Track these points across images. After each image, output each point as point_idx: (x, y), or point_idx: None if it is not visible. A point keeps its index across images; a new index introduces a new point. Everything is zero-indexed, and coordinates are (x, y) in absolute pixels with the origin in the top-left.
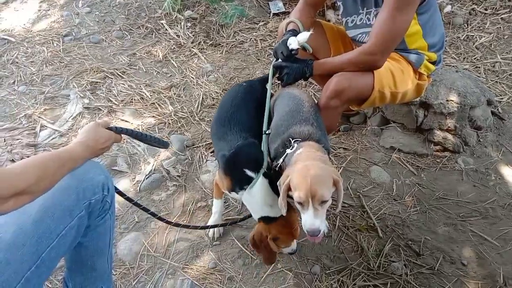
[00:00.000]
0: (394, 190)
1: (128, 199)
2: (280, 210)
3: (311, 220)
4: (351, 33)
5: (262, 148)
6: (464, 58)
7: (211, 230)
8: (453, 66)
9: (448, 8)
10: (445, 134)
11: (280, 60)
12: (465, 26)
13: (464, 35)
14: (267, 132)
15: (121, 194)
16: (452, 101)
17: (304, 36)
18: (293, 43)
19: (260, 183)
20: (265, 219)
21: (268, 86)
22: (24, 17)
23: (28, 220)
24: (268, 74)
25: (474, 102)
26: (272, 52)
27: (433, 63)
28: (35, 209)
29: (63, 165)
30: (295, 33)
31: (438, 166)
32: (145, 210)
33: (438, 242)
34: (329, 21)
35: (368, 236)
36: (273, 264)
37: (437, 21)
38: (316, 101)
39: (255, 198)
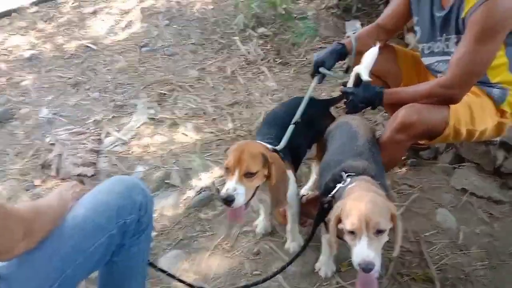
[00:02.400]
0: (461, 239)
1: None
2: None
3: (365, 250)
4: (426, 61)
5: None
6: None
7: (259, 225)
8: None
9: None
10: None
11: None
12: None
13: None
14: (295, 122)
15: (152, 265)
16: None
17: (369, 59)
18: (364, 72)
19: None
20: None
21: (308, 91)
22: (109, 27)
23: (56, 235)
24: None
25: None
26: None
27: None
28: (65, 225)
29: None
30: (337, 48)
31: None
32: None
33: None
34: (408, 45)
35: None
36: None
37: None
38: (375, 133)
39: None
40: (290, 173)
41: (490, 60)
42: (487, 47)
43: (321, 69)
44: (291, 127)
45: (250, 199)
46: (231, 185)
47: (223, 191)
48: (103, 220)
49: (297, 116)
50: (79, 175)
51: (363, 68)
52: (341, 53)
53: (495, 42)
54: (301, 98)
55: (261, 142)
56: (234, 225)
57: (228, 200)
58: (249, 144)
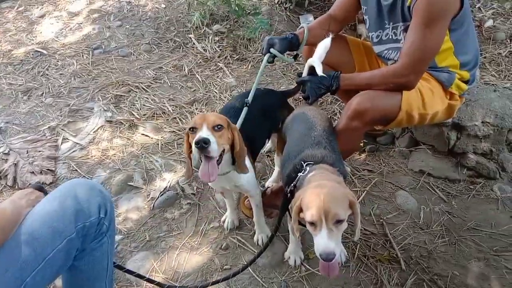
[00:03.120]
0: (421, 218)
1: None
2: None
3: (325, 242)
4: (377, 49)
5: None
6: (505, 76)
7: (226, 220)
8: (493, 84)
9: (489, 23)
10: (479, 158)
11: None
12: (507, 41)
13: (506, 51)
14: (247, 103)
15: (119, 267)
16: (488, 123)
17: (322, 50)
18: (317, 64)
19: None
20: None
21: (260, 70)
22: (58, 30)
23: (12, 243)
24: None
25: None
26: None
27: (466, 82)
28: (21, 232)
29: None
30: (289, 37)
31: (471, 193)
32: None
33: (468, 279)
34: (360, 35)
35: (390, 268)
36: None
37: (471, 38)
38: (331, 122)
39: None
40: (247, 160)
41: (439, 45)
42: (435, 33)
43: (272, 50)
44: (244, 109)
45: (219, 162)
46: (204, 133)
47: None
48: (61, 225)
49: (250, 97)
50: (37, 183)
51: (316, 60)
52: (292, 43)
53: (442, 27)
54: (258, 89)
55: None
56: (202, 222)
57: (204, 142)
58: (212, 112)
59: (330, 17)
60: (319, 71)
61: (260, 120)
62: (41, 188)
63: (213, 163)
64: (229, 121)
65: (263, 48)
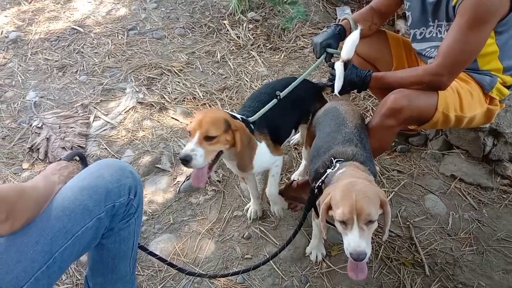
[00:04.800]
0: (450, 224)
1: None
2: None
3: (357, 241)
4: (418, 47)
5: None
6: None
7: (250, 210)
8: None
9: None
10: None
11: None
12: None
13: None
14: (279, 96)
15: (143, 248)
16: None
17: (350, 45)
18: (344, 54)
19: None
20: None
21: (310, 68)
22: (96, 9)
23: (44, 217)
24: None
25: None
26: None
27: (508, 87)
28: (53, 207)
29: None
30: (336, 30)
31: (504, 202)
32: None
33: None
34: (398, 31)
35: (413, 272)
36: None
37: None
38: (364, 119)
39: None
40: (262, 144)
41: (480, 48)
42: (477, 36)
43: (329, 50)
44: (273, 101)
45: (213, 164)
46: (190, 146)
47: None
48: (91, 203)
49: (285, 92)
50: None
51: (344, 55)
52: (341, 34)
53: (485, 30)
54: (293, 78)
55: (228, 111)
56: (226, 209)
57: (186, 160)
58: (213, 110)
59: (373, 10)
60: (345, 57)
61: (288, 109)
62: (81, 155)
63: (203, 171)
64: (232, 121)
65: (316, 52)
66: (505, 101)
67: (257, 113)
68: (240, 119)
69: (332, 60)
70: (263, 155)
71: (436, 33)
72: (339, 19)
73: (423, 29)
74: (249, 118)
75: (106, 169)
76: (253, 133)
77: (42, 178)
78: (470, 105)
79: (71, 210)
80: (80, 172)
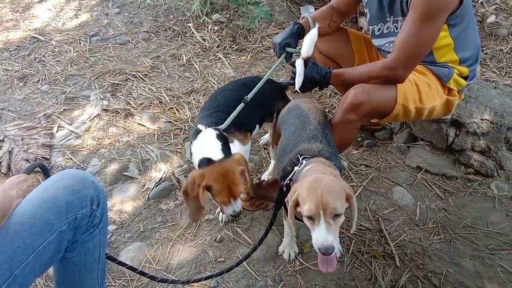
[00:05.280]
0: (417, 215)
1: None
2: (219, 154)
3: (324, 235)
4: (377, 42)
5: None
6: (506, 73)
7: (220, 214)
8: (494, 81)
9: (492, 18)
10: (477, 156)
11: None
12: (509, 38)
13: (508, 48)
14: (246, 100)
15: (111, 259)
16: (487, 120)
17: (309, 43)
18: (304, 52)
19: (207, 132)
20: (203, 162)
21: (272, 68)
22: (56, 16)
23: (2, 234)
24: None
25: None
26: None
27: (465, 78)
28: (11, 223)
29: None
30: (295, 28)
31: (468, 190)
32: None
33: (462, 276)
34: (361, 28)
35: (384, 264)
36: (197, 223)
37: (472, 34)
38: (326, 115)
39: (198, 142)
40: (235, 142)
41: (433, 41)
42: (429, 29)
43: (288, 49)
44: (240, 106)
45: None
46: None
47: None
48: (52, 216)
49: (251, 95)
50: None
51: (303, 52)
52: (299, 33)
53: (437, 24)
54: (254, 77)
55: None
56: None
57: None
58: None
59: (332, 8)
60: (304, 55)
61: (251, 108)
62: (43, 167)
63: None
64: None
65: (276, 52)
66: (464, 92)
67: (227, 120)
68: (215, 131)
69: (292, 59)
70: (239, 150)
71: (393, 29)
72: (302, 18)
73: (381, 25)
74: (220, 127)
75: (67, 180)
76: (226, 138)
77: None
78: (429, 96)
79: (31, 224)
80: (40, 185)
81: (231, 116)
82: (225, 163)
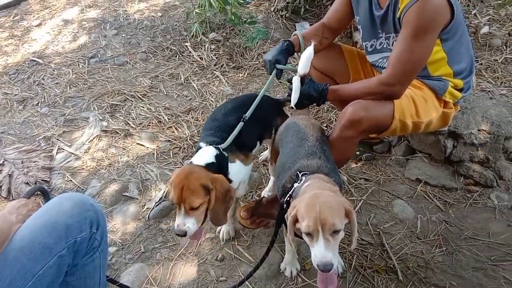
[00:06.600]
0: (418, 228)
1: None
2: (203, 161)
3: (322, 252)
4: (371, 58)
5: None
6: (501, 83)
7: (222, 231)
8: (489, 91)
9: (485, 29)
10: (476, 166)
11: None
12: (503, 48)
13: (502, 58)
14: (245, 118)
15: (112, 281)
16: (485, 131)
17: (305, 60)
18: (300, 69)
19: (207, 149)
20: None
21: (265, 86)
22: (55, 39)
23: (1, 260)
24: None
25: (510, 132)
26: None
27: (460, 90)
28: (11, 248)
29: None
30: (284, 45)
31: (468, 202)
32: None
33: None
34: (356, 43)
35: (387, 278)
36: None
37: (465, 46)
38: (324, 132)
39: (197, 156)
40: (237, 162)
41: (427, 56)
42: (422, 45)
43: (278, 66)
44: (240, 125)
45: (203, 222)
46: (180, 221)
47: (175, 227)
48: (51, 241)
49: (249, 113)
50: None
51: (300, 70)
52: (289, 50)
53: (430, 39)
54: (251, 95)
55: (201, 165)
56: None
57: (181, 235)
58: (189, 176)
59: (324, 25)
60: (302, 72)
61: (251, 126)
62: (43, 190)
63: (199, 232)
64: (208, 184)
65: (267, 69)
66: (460, 103)
67: (227, 140)
68: (215, 149)
69: (283, 76)
70: (240, 170)
71: (386, 45)
72: (293, 35)
73: (374, 41)
74: (221, 146)
75: (65, 204)
76: (227, 159)
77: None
78: (425, 110)
79: (30, 249)
80: (40, 209)
81: (231, 135)
82: (195, 168)
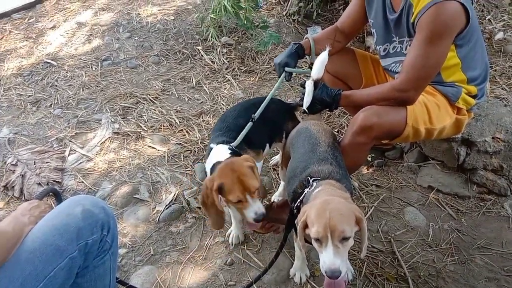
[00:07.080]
0: (430, 236)
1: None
2: (227, 155)
3: (331, 259)
4: (384, 62)
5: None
6: None
7: (231, 235)
8: (504, 98)
9: (500, 35)
10: (490, 175)
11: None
12: None
13: None
14: (254, 118)
15: (122, 283)
16: (499, 138)
17: (319, 65)
18: (314, 74)
19: (218, 147)
20: (213, 168)
21: (274, 88)
22: (68, 42)
23: (13, 262)
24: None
25: None
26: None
27: (474, 96)
28: (23, 250)
29: None
30: (294, 48)
31: (481, 210)
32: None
33: None
34: (368, 47)
35: (398, 287)
36: (220, 229)
37: (479, 53)
38: (336, 137)
39: (211, 157)
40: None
41: (441, 62)
42: (437, 50)
43: (287, 69)
44: (249, 125)
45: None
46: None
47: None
48: (63, 243)
49: (258, 113)
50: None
51: (314, 74)
52: (299, 53)
53: (445, 44)
54: (263, 98)
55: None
56: (207, 236)
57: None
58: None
59: (337, 29)
60: (314, 77)
61: (261, 127)
62: (55, 192)
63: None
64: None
65: (277, 71)
66: (473, 110)
67: (238, 138)
68: (229, 149)
69: (294, 80)
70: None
71: (399, 49)
72: (305, 38)
73: (387, 45)
74: (232, 144)
75: (77, 206)
76: (239, 154)
77: (11, 220)
78: (438, 117)
79: (42, 251)
80: (51, 211)
81: (241, 134)
82: (230, 159)
